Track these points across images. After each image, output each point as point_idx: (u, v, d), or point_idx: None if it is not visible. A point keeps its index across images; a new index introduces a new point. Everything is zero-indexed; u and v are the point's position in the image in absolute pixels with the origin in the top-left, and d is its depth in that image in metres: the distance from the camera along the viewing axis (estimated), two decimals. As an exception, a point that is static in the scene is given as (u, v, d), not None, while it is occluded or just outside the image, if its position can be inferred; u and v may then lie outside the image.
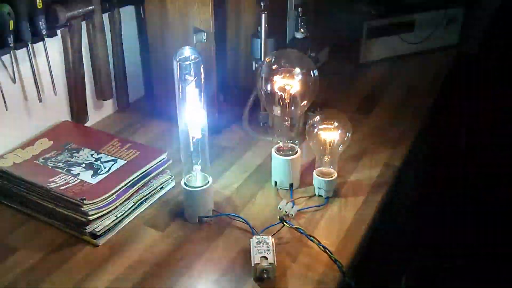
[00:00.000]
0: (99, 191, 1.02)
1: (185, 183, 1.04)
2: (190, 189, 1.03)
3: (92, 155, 1.15)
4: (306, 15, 1.43)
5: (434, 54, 1.87)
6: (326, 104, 1.43)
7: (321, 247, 0.96)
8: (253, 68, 1.39)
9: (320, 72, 1.13)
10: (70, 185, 1.04)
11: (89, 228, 0.98)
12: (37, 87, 1.21)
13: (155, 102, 1.46)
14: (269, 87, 1.12)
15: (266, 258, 0.90)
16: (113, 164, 1.12)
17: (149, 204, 1.10)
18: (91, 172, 1.09)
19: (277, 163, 1.14)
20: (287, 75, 1.11)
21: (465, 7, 1.89)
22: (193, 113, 1.00)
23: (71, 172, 1.09)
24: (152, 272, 0.93)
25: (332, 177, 1.11)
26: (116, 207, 1.02)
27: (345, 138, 1.12)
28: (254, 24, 1.38)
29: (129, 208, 1.05)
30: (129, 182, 1.06)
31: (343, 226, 1.04)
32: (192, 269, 0.93)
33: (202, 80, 1.00)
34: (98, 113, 1.43)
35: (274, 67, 1.12)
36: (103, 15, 1.31)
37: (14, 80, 1.17)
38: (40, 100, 1.23)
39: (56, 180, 1.05)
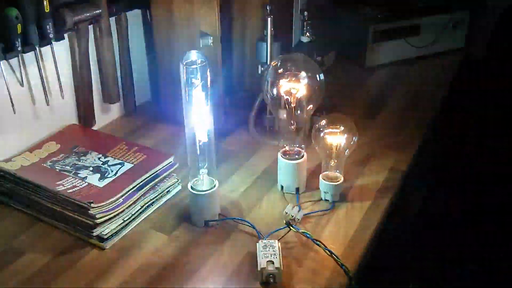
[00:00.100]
0: (106, 194, 1.02)
1: (191, 186, 1.04)
2: (197, 192, 1.03)
3: (99, 158, 1.16)
4: (312, 19, 1.43)
5: (440, 58, 1.87)
6: (332, 108, 1.43)
7: (327, 251, 0.96)
8: (259, 72, 1.39)
9: (326, 76, 1.13)
10: (78, 188, 1.04)
11: (96, 231, 0.98)
12: (44, 90, 1.22)
13: (161, 106, 1.46)
14: (275, 91, 1.12)
15: (272, 262, 0.90)
16: (120, 168, 1.12)
17: (156, 207, 1.10)
18: (98, 175, 1.09)
19: (283, 167, 1.14)
20: (293, 79, 1.11)
21: (471, 11, 1.89)
22: (199, 116, 1.01)
23: (79, 175, 1.09)
24: (159, 275, 0.93)
25: (338, 181, 1.11)
26: (123, 210, 1.03)
27: (351, 142, 1.12)
28: (260, 28, 1.38)
29: (136, 212, 1.05)
30: (136, 185, 1.07)
31: (350, 231, 1.04)
32: (199, 272, 0.93)
33: (209, 84, 1.00)
34: (105, 116, 1.43)
35: (280, 70, 1.12)
36: (110, 19, 1.32)
37: (21, 84, 1.18)
38: (47, 104, 1.24)
39: (64, 183, 1.06)
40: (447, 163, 2.05)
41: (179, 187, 1.15)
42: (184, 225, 1.05)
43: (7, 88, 1.13)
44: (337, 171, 1.12)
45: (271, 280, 0.89)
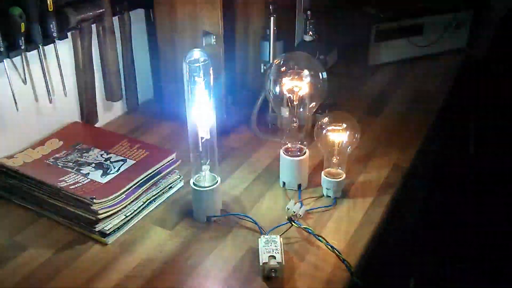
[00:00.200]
0: (108, 190, 1.03)
1: (194, 183, 1.04)
2: (199, 189, 1.03)
3: (101, 155, 1.16)
4: (315, 18, 1.43)
5: (442, 57, 1.87)
6: (335, 106, 1.44)
7: (329, 247, 0.97)
8: (262, 71, 1.40)
9: (328, 74, 1.14)
10: (80, 184, 1.05)
11: (98, 227, 0.99)
12: (47, 88, 1.22)
13: (164, 104, 1.47)
14: (277, 89, 1.13)
15: (274, 257, 0.91)
16: (122, 164, 1.13)
17: (158, 203, 1.10)
18: (100, 171, 1.10)
19: (285, 164, 1.14)
20: (296, 77, 1.12)
21: (474, 10, 1.89)
22: (202, 114, 1.01)
23: (81, 171, 1.10)
24: (161, 270, 0.93)
25: (340, 178, 1.11)
26: (125, 206, 1.03)
27: (354, 140, 1.12)
28: (262, 27, 1.38)
29: (138, 208, 1.06)
30: (138, 181, 1.07)
31: (351, 227, 1.04)
32: (201, 267, 0.94)
33: (211, 82, 1.00)
34: (108, 114, 1.44)
35: (283, 69, 1.12)
36: (113, 18, 1.33)
37: (25, 82, 1.18)
38: (50, 101, 1.24)
39: (66, 179, 1.06)
40: (448, 162, 2.05)
41: (181, 184, 1.16)
42: (186, 220, 1.06)
43: (11, 86, 1.13)
44: (339, 168, 1.13)
45: (273, 275, 0.90)
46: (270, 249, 0.92)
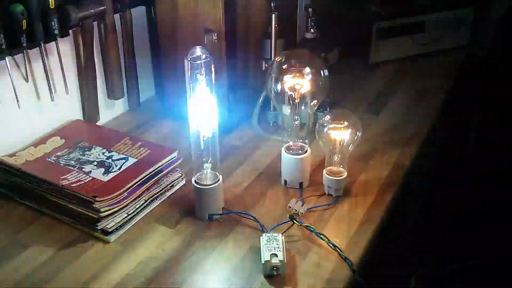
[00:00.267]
0: (110, 188, 1.03)
1: (195, 181, 1.04)
2: (201, 187, 1.03)
3: (103, 153, 1.16)
4: (316, 16, 1.43)
5: (444, 55, 1.87)
6: (336, 104, 1.44)
7: (331, 245, 0.97)
8: (263, 68, 1.40)
9: (330, 72, 1.14)
10: (82, 182, 1.05)
11: (100, 225, 0.99)
12: (49, 86, 1.23)
13: (165, 102, 1.47)
14: (279, 87, 1.13)
15: (276, 255, 0.91)
16: (124, 162, 1.13)
17: (160, 201, 1.11)
18: (102, 169, 1.10)
19: (287, 162, 1.14)
20: (297, 74, 1.12)
21: (475, 8, 1.89)
22: (203, 111, 1.01)
23: (83, 169, 1.10)
24: (163, 268, 0.93)
25: (341, 176, 1.11)
26: (127, 204, 1.03)
27: (355, 138, 1.12)
28: (264, 24, 1.38)
29: (140, 206, 1.06)
30: (140, 180, 1.07)
31: (353, 225, 1.04)
32: (203, 265, 0.94)
33: (213, 79, 1.00)
34: (110, 112, 1.44)
35: (285, 66, 1.12)
36: (115, 15, 1.33)
37: (26, 79, 1.18)
38: (52, 99, 1.24)
39: (68, 177, 1.06)
40: (449, 160, 2.05)
41: (183, 182, 1.16)
42: (188, 219, 1.06)
43: (12, 84, 1.13)
44: (341, 166, 1.13)
45: (275, 273, 0.90)
46: (271, 247, 0.92)
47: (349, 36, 1.77)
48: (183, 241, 1.00)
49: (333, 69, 1.31)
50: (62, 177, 1.06)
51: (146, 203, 1.07)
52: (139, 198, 1.06)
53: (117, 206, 1.01)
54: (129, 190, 1.04)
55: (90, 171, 1.09)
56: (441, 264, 2.02)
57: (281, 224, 1.01)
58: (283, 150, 1.15)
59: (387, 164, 1.24)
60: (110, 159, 1.14)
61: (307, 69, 1.11)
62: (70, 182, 1.05)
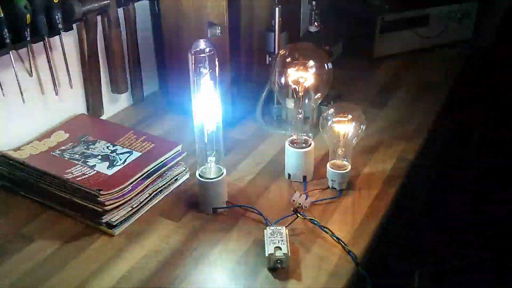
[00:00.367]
0: (115, 182, 1.03)
1: (199, 174, 1.05)
2: (205, 180, 1.04)
3: (107, 147, 1.17)
4: (320, 9, 1.43)
5: (448, 48, 1.86)
6: (340, 97, 1.44)
7: (334, 238, 0.97)
8: (267, 62, 1.39)
9: (333, 66, 1.14)
10: (87, 176, 1.05)
11: (105, 218, 0.99)
12: (53, 80, 1.23)
13: (169, 96, 1.47)
14: (283, 80, 1.13)
15: (280, 248, 0.91)
16: (128, 156, 1.13)
17: (164, 195, 1.11)
18: (107, 163, 1.10)
19: (290, 156, 1.14)
20: (301, 67, 1.11)
21: (479, 1, 1.88)
22: (207, 105, 1.01)
23: (87, 163, 1.10)
24: (167, 261, 0.94)
25: (345, 169, 1.11)
26: (132, 198, 1.03)
27: (359, 131, 1.12)
28: (267, 18, 1.38)
29: (144, 199, 1.06)
30: (144, 173, 1.08)
31: (357, 218, 1.04)
32: (207, 258, 0.94)
33: (217, 73, 1.00)
34: (113, 106, 1.44)
35: (288, 60, 1.12)
36: (118, 9, 1.33)
37: (30, 74, 1.19)
38: (56, 93, 1.24)
39: (73, 171, 1.07)
40: (454, 152, 2.05)
41: (187, 176, 1.16)
42: (192, 212, 1.06)
43: (16, 78, 1.14)
44: (345, 159, 1.13)
45: (279, 266, 0.90)
46: (275, 240, 0.93)
47: (353, 30, 1.77)
48: (187, 234, 1.00)
49: (336, 63, 1.31)
50: (67, 171, 1.07)
51: (151, 196, 1.07)
52: (144, 192, 1.06)
53: (122, 200, 1.01)
54: (134, 183, 1.05)
55: (95, 165, 1.10)
56: (446, 258, 2.02)
57: (285, 217, 1.01)
58: (287, 143, 1.15)
59: (391, 157, 1.24)
60: (115, 153, 1.14)
61: (311, 62, 1.11)
62: (74, 176, 1.05)
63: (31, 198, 1.09)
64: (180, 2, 1.31)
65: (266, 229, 0.96)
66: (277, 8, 1.32)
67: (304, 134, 1.15)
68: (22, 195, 1.10)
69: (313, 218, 1.00)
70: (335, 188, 1.12)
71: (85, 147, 1.17)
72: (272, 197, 1.11)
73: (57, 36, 1.19)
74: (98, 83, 1.35)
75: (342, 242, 0.96)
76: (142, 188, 1.06)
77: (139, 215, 1.05)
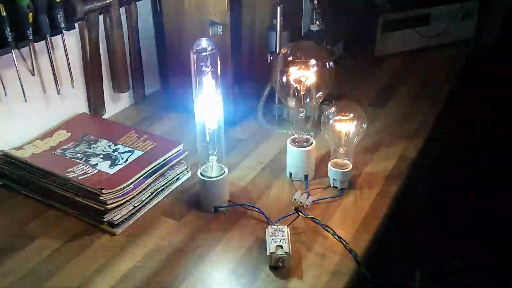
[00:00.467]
0: (116, 181, 1.03)
1: (201, 173, 1.05)
2: (206, 179, 1.04)
3: (109, 146, 1.17)
4: (322, 8, 1.43)
5: (449, 48, 1.86)
6: (342, 96, 1.43)
7: (336, 237, 0.97)
8: (268, 61, 1.39)
9: (335, 65, 1.14)
10: (88, 175, 1.06)
11: (107, 217, 1.00)
12: (55, 79, 1.23)
13: (171, 95, 1.47)
14: (284, 79, 1.13)
15: (281, 247, 0.91)
16: (130, 155, 1.13)
17: (166, 194, 1.11)
18: (108, 162, 1.10)
19: (292, 154, 1.15)
20: (303, 66, 1.11)
21: (481, 1, 1.88)
22: (209, 103, 1.01)
23: (89, 162, 1.10)
24: (169, 260, 0.94)
25: (347, 168, 1.11)
26: (134, 196, 1.04)
27: (361, 130, 1.12)
28: (269, 17, 1.38)
29: (146, 198, 1.06)
30: (146, 172, 1.08)
31: (358, 217, 1.04)
32: (208, 257, 0.94)
33: (219, 71, 1.00)
34: (115, 105, 1.44)
35: (290, 58, 1.12)
36: (120, 8, 1.33)
37: (32, 73, 1.19)
38: (58, 92, 1.25)
39: (75, 170, 1.07)
40: (455, 151, 2.05)
41: (188, 175, 1.16)
42: (194, 211, 1.06)
43: (19, 77, 1.14)
44: (346, 158, 1.13)
45: (280, 264, 0.90)
46: (277, 239, 0.93)
47: (354, 29, 1.77)
48: (189, 233, 1.00)
49: (338, 62, 1.31)
50: (69, 170, 1.07)
51: (152, 195, 1.08)
52: (145, 191, 1.06)
53: (124, 199, 1.02)
54: (135, 182, 1.05)
55: (96, 164, 1.10)
56: (445, 260, 2.02)
57: (286, 216, 1.01)
58: (288, 142, 1.15)
59: (393, 156, 1.24)
60: (116, 152, 1.14)
61: (313, 61, 1.11)
62: (76, 174, 1.05)
63: (33, 197, 1.10)
64: (182, 1, 1.31)
65: (267, 227, 0.96)
66: (278, 7, 1.32)
67: (306, 133, 1.15)
68: (24, 194, 1.11)
69: (314, 217, 1.01)
70: (336, 187, 1.12)
71: (87, 146, 1.17)
72: (273, 196, 1.11)
73: (59, 35, 1.19)
74: (99, 82, 1.35)
75: (344, 241, 0.96)
76: (143, 187, 1.06)
77: (141, 214, 1.05)
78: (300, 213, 1.00)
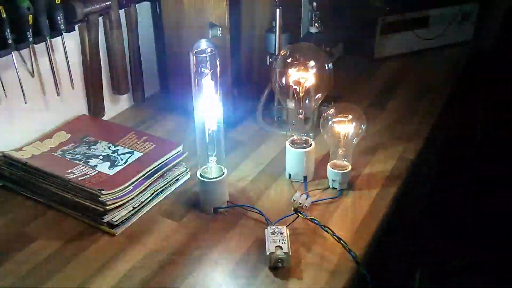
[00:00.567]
0: (116, 182, 1.04)
1: (200, 174, 1.05)
2: (206, 180, 1.04)
3: (109, 147, 1.17)
4: (321, 10, 1.43)
5: (448, 50, 1.87)
6: (341, 98, 1.44)
7: (335, 237, 0.97)
8: (268, 63, 1.40)
9: (334, 67, 1.14)
10: (88, 176, 1.06)
11: (106, 218, 1.00)
12: (55, 81, 1.23)
13: (170, 97, 1.48)
14: (283, 80, 1.13)
15: (280, 247, 0.91)
16: (129, 156, 1.13)
17: (165, 195, 1.11)
18: (108, 163, 1.11)
19: (291, 156, 1.15)
20: (302, 68, 1.12)
21: (480, 2, 1.88)
22: (209, 104, 1.02)
23: (89, 163, 1.11)
24: (168, 261, 0.94)
25: (346, 169, 1.12)
26: (133, 197, 1.04)
27: (360, 131, 1.12)
28: (268, 19, 1.38)
29: (146, 199, 1.06)
30: (145, 173, 1.08)
31: (357, 218, 1.04)
32: (208, 258, 0.95)
33: (218, 73, 1.01)
34: (115, 107, 1.45)
35: (289, 60, 1.12)
36: (120, 10, 1.33)
37: (32, 74, 1.19)
38: (58, 94, 1.25)
39: (74, 171, 1.07)
40: (454, 153, 2.05)
41: (188, 176, 1.17)
42: (193, 212, 1.07)
43: (19, 79, 1.14)
44: (345, 159, 1.13)
45: (280, 265, 0.90)
46: (276, 239, 0.93)
47: (353, 31, 1.78)
48: (188, 234, 1.01)
49: (337, 64, 1.32)
50: (68, 171, 1.07)
51: (152, 196, 1.08)
52: (145, 192, 1.07)
53: (123, 200, 1.02)
54: (135, 183, 1.05)
55: (96, 165, 1.10)
56: (445, 260, 2.02)
57: (285, 217, 1.02)
58: (287, 144, 1.15)
59: (392, 157, 1.24)
60: (116, 153, 1.15)
61: (312, 63, 1.12)
62: (76, 176, 1.06)
63: (33, 198, 1.10)
64: (181, 3, 1.31)
65: (267, 228, 0.97)
66: (278, 9, 1.32)
67: (305, 134, 1.15)
68: (23, 195, 1.11)
69: (313, 217, 1.01)
70: (336, 188, 1.12)
71: (87, 147, 1.17)
72: (272, 197, 1.12)
73: (59, 37, 1.19)
74: (99, 84, 1.35)
75: (343, 241, 0.96)
76: (143, 188, 1.06)
77: (140, 215, 1.05)
78: (299, 214, 1.00)
